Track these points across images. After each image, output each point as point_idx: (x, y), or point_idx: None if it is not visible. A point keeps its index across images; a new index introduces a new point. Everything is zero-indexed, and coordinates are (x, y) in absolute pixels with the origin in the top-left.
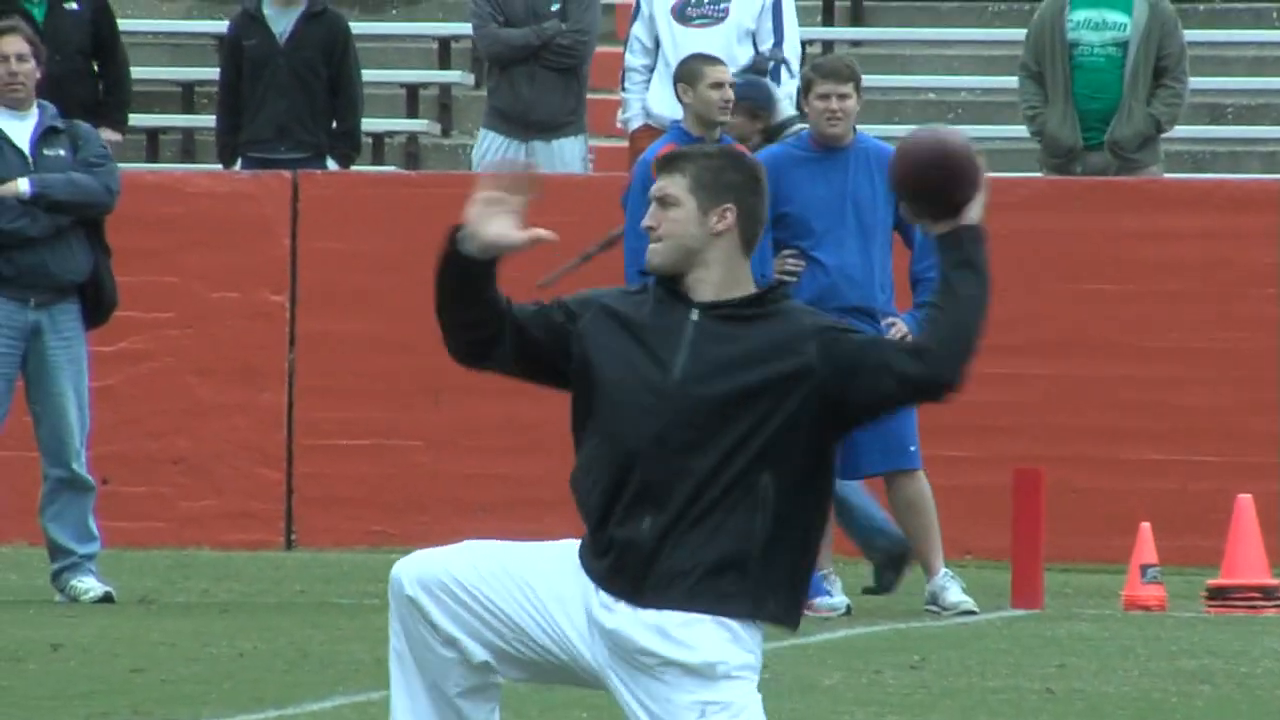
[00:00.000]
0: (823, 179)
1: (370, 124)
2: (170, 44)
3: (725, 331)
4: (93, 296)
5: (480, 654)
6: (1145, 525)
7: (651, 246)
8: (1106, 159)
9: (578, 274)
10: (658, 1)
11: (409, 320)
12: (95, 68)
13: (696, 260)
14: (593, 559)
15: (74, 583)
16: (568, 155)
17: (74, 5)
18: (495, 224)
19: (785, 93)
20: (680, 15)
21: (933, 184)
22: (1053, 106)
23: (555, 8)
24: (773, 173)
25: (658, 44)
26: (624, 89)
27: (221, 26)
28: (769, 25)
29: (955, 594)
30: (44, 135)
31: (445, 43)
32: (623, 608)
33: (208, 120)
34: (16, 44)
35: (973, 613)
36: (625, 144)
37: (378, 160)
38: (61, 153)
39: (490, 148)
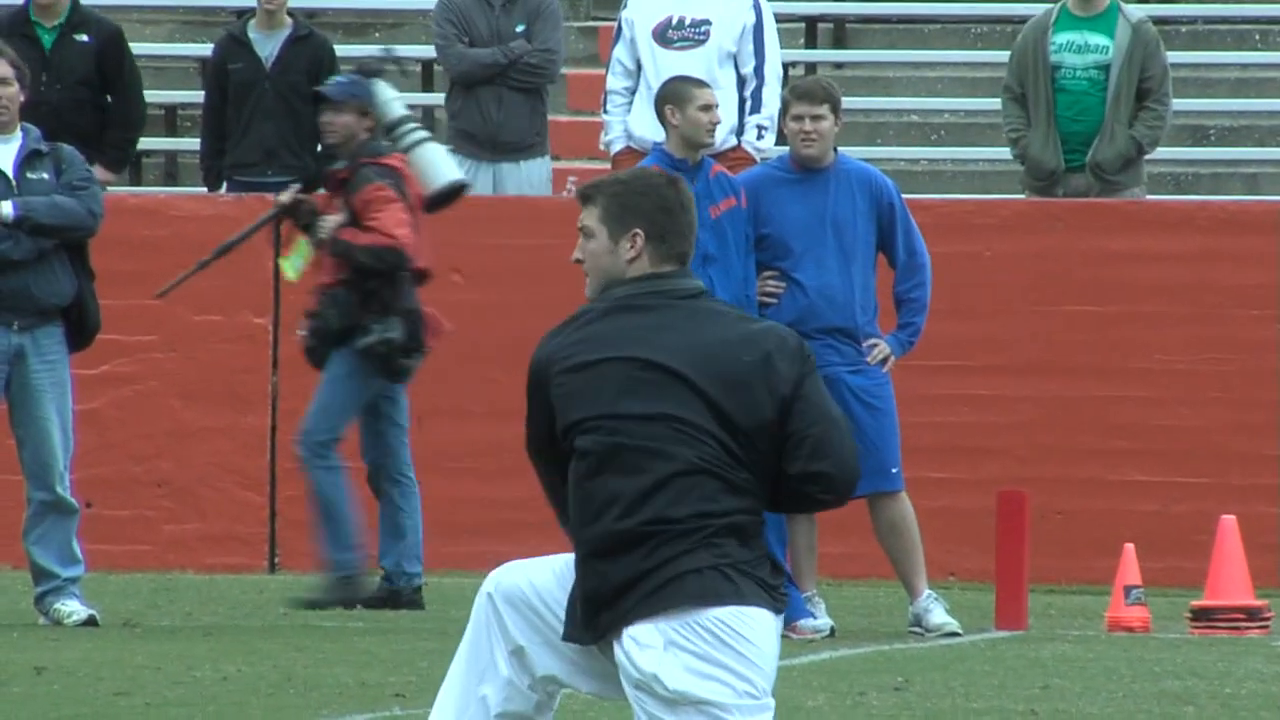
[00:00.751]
0: (802, 200)
1: None
2: (153, 67)
3: None
4: (76, 320)
5: (545, 666)
6: (1129, 546)
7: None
8: (1088, 181)
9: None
10: (639, 24)
11: None
12: (97, 99)
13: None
14: None
15: (58, 606)
16: (534, 177)
17: (84, 37)
18: None
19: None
20: (662, 38)
21: None
22: (1035, 128)
23: (520, 29)
24: (753, 194)
25: (639, 66)
26: (606, 111)
27: (205, 49)
28: (750, 47)
29: (939, 616)
30: (27, 158)
31: (428, 65)
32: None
33: (191, 143)
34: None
35: (957, 634)
36: (608, 166)
37: None
38: (45, 176)
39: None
